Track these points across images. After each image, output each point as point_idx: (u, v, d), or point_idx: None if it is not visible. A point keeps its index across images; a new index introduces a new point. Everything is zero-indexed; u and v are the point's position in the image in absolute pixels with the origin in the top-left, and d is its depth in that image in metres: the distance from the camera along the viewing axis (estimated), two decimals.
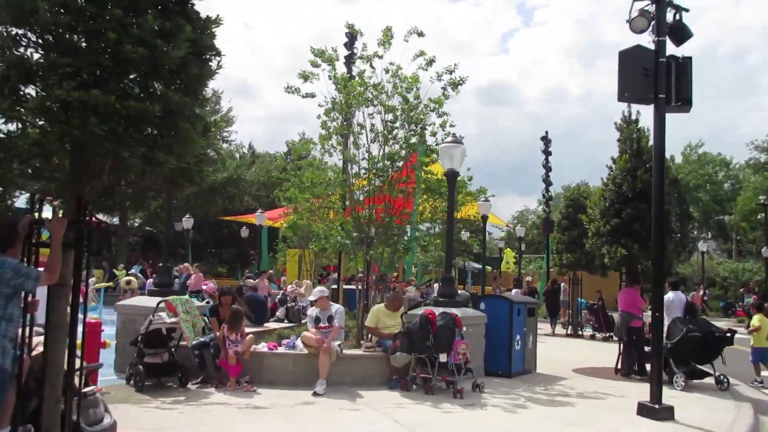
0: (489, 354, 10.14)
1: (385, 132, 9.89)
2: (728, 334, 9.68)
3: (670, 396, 8.92)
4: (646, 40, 7.54)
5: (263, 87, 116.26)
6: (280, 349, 8.98)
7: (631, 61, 7.37)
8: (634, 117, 11.02)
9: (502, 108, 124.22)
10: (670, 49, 7.52)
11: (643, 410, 7.56)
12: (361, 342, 9.63)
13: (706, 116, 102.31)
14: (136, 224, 41.60)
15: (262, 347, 8.99)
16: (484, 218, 19.98)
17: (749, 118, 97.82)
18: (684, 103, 7.52)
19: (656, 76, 7.27)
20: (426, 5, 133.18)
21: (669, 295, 10.76)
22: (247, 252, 36.84)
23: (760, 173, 50.19)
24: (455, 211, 11.31)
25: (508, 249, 42.19)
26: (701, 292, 27.39)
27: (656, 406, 7.48)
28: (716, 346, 9.64)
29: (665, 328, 9.72)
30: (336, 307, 9.06)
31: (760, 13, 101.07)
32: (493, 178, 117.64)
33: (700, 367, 9.79)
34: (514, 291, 18.81)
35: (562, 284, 20.75)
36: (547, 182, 24.13)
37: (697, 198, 60.98)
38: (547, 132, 24.50)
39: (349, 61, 12.81)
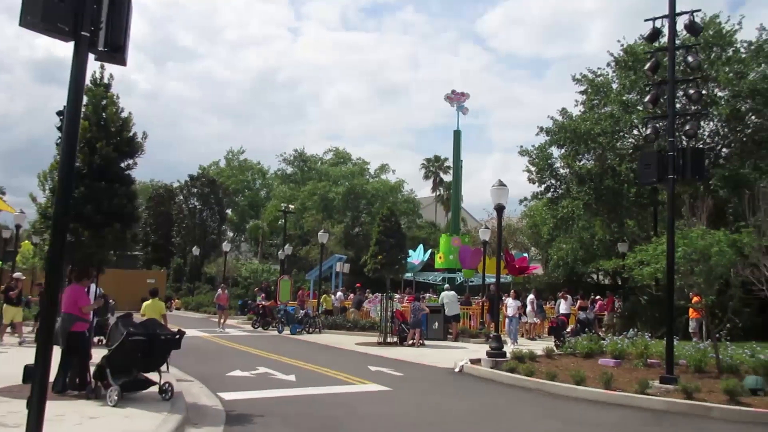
0: None
1: None
2: (177, 337, 8.59)
3: (90, 416, 7.21)
4: None
5: None
6: None
7: None
8: (106, 80, 9.21)
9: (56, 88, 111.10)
10: None
11: None
12: None
13: (259, 131, 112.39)
14: None
15: None
16: None
17: (297, 138, 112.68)
18: (115, 50, 5.82)
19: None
20: None
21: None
22: None
23: (286, 183, 55.78)
24: None
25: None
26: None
27: None
28: (163, 351, 8.42)
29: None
30: None
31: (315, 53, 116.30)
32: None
33: (145, 375, 8.42)
34: None
35: None
36: None
37: (236, 202, 64.43)
38: None
39: None
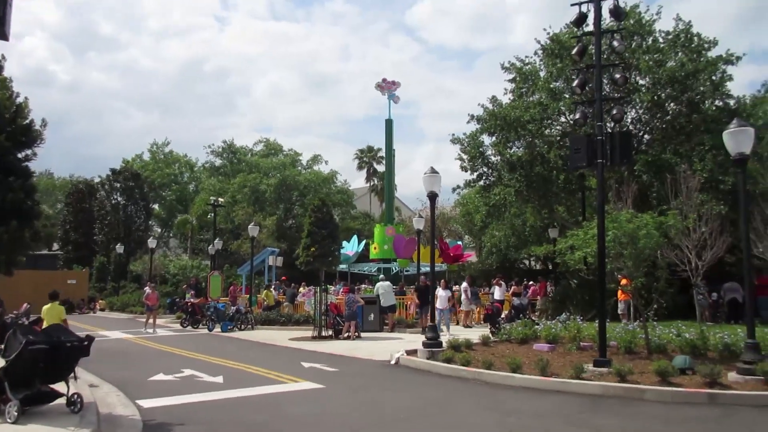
0: None
1: None
2: (86, 343, 7.82)
3: None
4: None
5: None
6: None
7: None
8: None
9: None
10: None
11: None
12: None
13: (187, 124, 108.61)
14: None
15: None
16: None
17: (227, 130, 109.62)
18: None
19: None
20: None
21: None
22: None
23: (215, 176, 54.03)
24: None
25: None
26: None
27: None
28: (69, 359, 7.65)
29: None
30: None
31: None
32: None
33: (50, 387, 7.61)
34: None
35: None
36: None
37: (163, 196, 61.99)
38: None
39: None
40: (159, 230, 64.29)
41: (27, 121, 8.20)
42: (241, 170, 52.75)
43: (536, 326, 15.68)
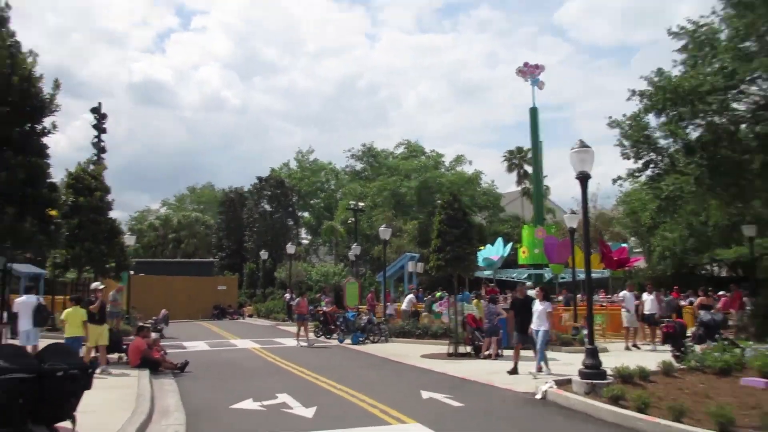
0: None
1: None
2: (89, 370, 5.72)
3: None
4: None
5: None
6: None
7: None
8: None
9: (157, 109, 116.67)
10: None
11: None
12: None
13: (342, 138, 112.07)
14: None
15: None
16: None
17: (378, 141, 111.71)
18: None
19: None
20: None
21: None
22: None
23: (355, 180, 53.21)
24: None
25: None
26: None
27: None
28: (62, 392, 5.58)
29: None
30: None
31: (397, 56, 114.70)
32: (144, 182, 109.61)
33: (54, 427, 5.57)
34: None
35: None
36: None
37: (311, 204, 62.71)
38: (100, 103, 22.72)
39: None
40: (309, 238, 65.19)
41: (35, 89, 6.38)
42: (381, 174, 51.33)
43: (740, 350, 11.55)
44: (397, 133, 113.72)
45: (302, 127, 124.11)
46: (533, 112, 30.87)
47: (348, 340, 21.39)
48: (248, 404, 9.74)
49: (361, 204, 39.84)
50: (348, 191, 51.43)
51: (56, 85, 6.62)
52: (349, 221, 41.91)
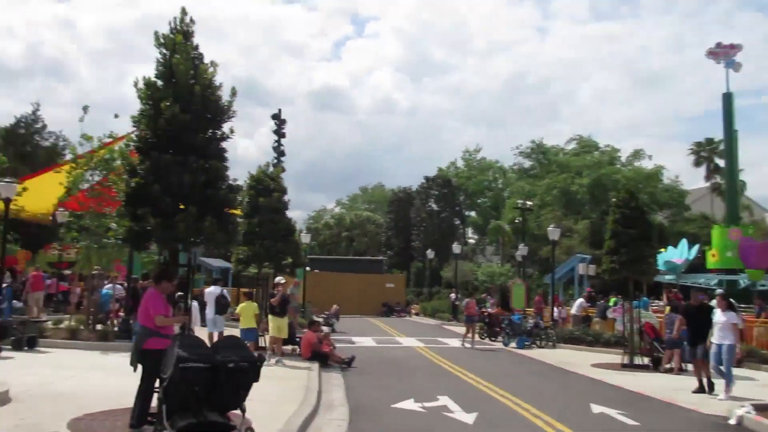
0: None
1: None
2: (258, 363, 6.01)
3: None
4: None
5: (79, 69, 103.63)
6: None
7: None
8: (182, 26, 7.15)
9: (333, 114, 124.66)
10: None
11: None
12: None
13: (512, 136, 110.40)
14: None
15: None
16: None
17: (549, 139, 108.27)
18: None
19: None
20: (261, 2, 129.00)
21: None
22: None
23: (523, 178, 51.68)
24: None
25: None
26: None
27: None
28: (234, 383, 5.90)
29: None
30: None
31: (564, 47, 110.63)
32: (321, 183, 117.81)
33: (214, 417, 5.94)
34: None
35: None
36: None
37: (477, 203, 62.22)
38: (280, 110, 24.70)
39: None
40: (476, 237, 64.78)
41: (214, 97, 6.90)
42: (551, 171, 49.31)
43: None
44: (569, 129, 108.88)
45: (471, 126, 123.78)
46: (727, 98, 27.60)
47: (513, 344, 20.77)
48: (409, 404, 9.74)
49: (529, 203, 38.56)
50: (515, 190, 50.17)
51: (233, 93, 7.15)
52: (517, 221, 40.84)
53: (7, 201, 15.88)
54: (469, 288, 35.81)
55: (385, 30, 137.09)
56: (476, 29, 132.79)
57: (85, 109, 15.67)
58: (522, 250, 33.57)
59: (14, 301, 17.90)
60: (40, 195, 20.45)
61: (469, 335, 20.71)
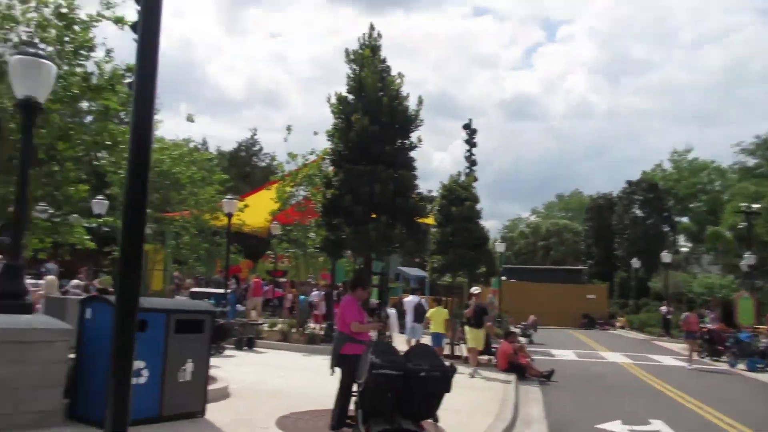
0: (85, 389, 6.46)
1: None
2: (450, 373, 5.86)
3: None
4: None
5: (290, 96, 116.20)
6: None
7: None
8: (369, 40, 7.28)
9: (526, 122, 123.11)
10: None
11: None
12: None
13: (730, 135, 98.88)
14: None
15: None
16: None
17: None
18: None
19: None
20: (451, 18, 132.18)
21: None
22: None
23: (747, 179, 45.48)
24: None
25: None
26: None
27: None
28: (425, 392, 5.82)
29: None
30: None
31: None
32: (515, 192, 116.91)
33: (407, 425, 5.92)
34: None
35: None
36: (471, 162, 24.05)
37: (690, 208, 56.41)
38: (471, 120, 24.33)
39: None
40: (689, 245, 58.61)
41: (403, 107, 6.95)
42: None
43: None
44: None
45: (678, 126, 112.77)
46: None
47: (741, 365, 18.23)
48: (616, 426, 8.91)
49: (755, 205, 33.77)
50: (738, 191, 44.28)
51: (419, 102, 7.19)
52: (740, 226, 36.01)
53: (230, 216, 17.87)
54: (683, 300, 32.36)
55: (579, 32, 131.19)
56: (682, 21, 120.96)
57: (289, 129, 17.09)
58: (749, 258, 29.45)
59: (237, 306, 20.01)
60: (258, 210, 22.76)
61: (695, 354, 18.62)
